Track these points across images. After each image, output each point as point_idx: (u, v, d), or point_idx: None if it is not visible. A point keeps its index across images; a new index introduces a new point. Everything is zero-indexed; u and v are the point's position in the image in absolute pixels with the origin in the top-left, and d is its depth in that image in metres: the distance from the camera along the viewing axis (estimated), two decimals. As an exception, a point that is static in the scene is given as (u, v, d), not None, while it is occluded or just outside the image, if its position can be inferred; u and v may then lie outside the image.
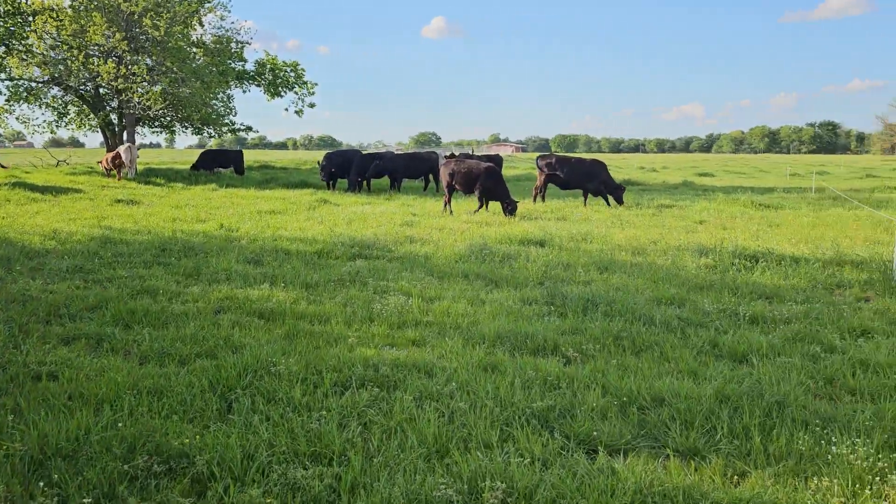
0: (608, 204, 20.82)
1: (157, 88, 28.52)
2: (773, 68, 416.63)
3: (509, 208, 17.68)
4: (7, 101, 34.29)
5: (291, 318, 7.48)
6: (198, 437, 4.44)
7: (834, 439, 4.46)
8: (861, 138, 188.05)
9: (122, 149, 29.48)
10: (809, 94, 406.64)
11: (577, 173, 21.31)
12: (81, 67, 29.26)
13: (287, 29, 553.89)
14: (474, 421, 4.78)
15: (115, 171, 29.07)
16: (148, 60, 31.80)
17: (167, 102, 30.66)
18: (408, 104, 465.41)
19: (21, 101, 34.10)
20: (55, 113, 37.29)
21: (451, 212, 18.70)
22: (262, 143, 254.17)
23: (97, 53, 29.97)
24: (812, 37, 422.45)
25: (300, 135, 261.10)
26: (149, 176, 30.61)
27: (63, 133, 42.27)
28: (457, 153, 31.27)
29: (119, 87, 29.12)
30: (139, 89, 29.41)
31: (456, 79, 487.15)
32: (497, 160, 32.50)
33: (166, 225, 15.25)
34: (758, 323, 7.65)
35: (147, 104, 29.08)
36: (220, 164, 32.35)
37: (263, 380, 5.50)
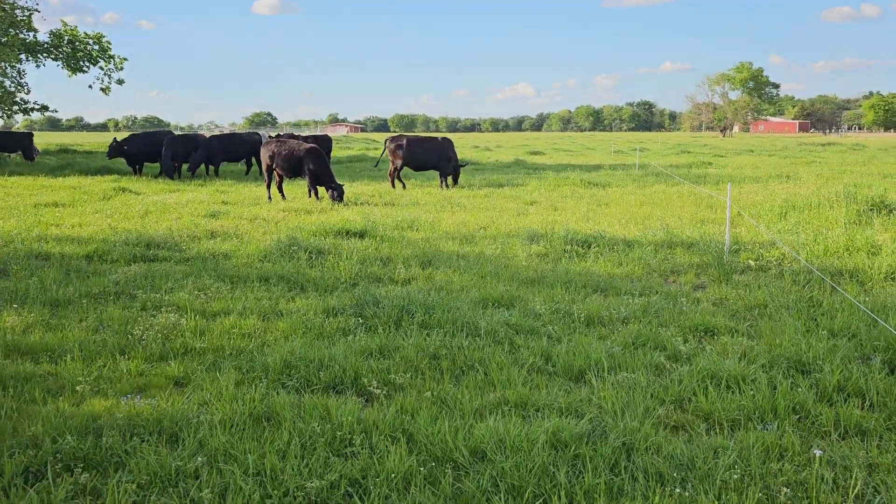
0: (444, 186, 19.77)
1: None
2: (595, 50, 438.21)
3: (335, 194, 16.13)
4: None
5: (2, 357, 5.59)
6: None
7: (699, 507, 3.43)
8: (673, 117, 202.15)
9: None
10: (627, 76, 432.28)
11: (431, 154, 20.10)
12: None
13: (104, 1, 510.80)
14: (216, 523, 3.31)
15: None
16: None
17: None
18: (241, 84, 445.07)
19: None
20: None
21: (270, 198, 16.88)
22: (80, 125, 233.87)
23: None
24: (628, 21, 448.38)
25: (122, 115, 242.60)
26: (-88, 163, 26.03)
27: None
28: (286, 134, 29.13)
29: None
30: None
31: (291, 57, 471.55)
32: (324, 141, 30.71)
33: None
34: (594, 324, 6.71)
35: None
36: (3, 148, 28.08)
37: None
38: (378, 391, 4.90)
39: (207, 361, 5.64)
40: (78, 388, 4.93)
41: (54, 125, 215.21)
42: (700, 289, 8.27)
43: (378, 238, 10.98)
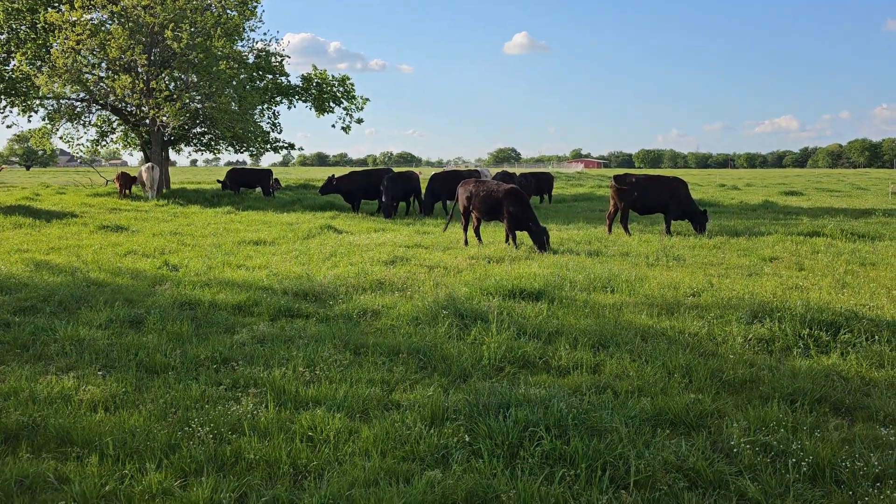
0: (668, 233, 17.17)
1: (177, 104, 26.58)
2: (875, 78, 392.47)
3: (538, 239, 14.41)
4: (48, 119, 33.56)
5: (32, 449, 4.64)
6: None
7: None
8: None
9: (143, 168, 27.90)
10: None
11: (661, 195, 17.60)
12: (99, 83, 27.79)
13: (372, 49, 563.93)
14: None
15: (128, 191, 27.91)
16: (184, 76, 30.21)
17: (192, 118, 28.83)
18: (489, 120, 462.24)
19: (62, 120, 33.30)
20: (98, 132, 36.51)
21: (467, 242, 15.66)
22: (343, 161, 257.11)
23: (120, 68, 28.41)
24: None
25: (380, 152, 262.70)
26: (174, 197, 28.83)
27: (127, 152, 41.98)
28: (530, 169, 28.26)
29: (136, 103, 27.45)
30: (162, 105, 27.63)
31: (538, 94, 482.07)
32: (545, 179, 29.35)
33: (113, 260, 12.86)
34: (824, 480, 4.31)
35: (167, 121, 27.24)
36: (245, 184, 30.26)
37: None
38: None
39: (246, 485, 4.24)
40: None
41: (323, 161, 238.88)
42: None
43: (556, 301, 9.10)
